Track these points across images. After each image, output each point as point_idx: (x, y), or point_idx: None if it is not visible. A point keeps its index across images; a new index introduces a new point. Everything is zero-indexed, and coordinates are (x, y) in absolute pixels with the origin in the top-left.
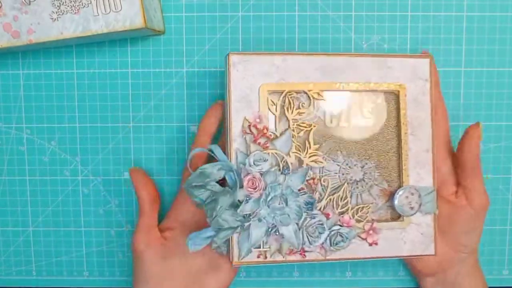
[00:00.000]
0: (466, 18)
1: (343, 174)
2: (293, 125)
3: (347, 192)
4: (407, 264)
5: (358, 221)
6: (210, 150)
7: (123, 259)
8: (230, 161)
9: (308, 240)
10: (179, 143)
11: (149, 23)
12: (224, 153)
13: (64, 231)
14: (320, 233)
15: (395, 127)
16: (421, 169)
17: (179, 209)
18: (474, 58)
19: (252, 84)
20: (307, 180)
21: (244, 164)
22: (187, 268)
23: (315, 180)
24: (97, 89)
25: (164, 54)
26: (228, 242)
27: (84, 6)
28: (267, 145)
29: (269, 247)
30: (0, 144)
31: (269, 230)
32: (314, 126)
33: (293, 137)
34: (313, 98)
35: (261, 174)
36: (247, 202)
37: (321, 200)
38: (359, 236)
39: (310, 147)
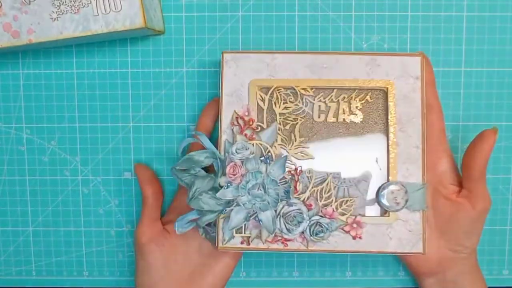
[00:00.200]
0: (466, 18)
1: (330, 168)
2: (280, 118)
3: (331, 185)
4: (407, 264)
5: (342, 214)
6: (198, 139)
7: (123, 259)
8: (219, 150)
9: (286, 227)
10: (179, 143)
11: (149, 23)
12: (212, 142)
13: (64, 231)
14: (299, 221)
15: (383, 123)
16: (410, 165)
17: (180, 203)
18: (474, 58)
19: (243, 80)
20: (290, 171)
21: (229, 153)
22: (189, 261)
23: (298, 171)
24: (97, 89)
25: (164, 54)
26: (215, 227)
27: (84, 6)
28: (253, 136)
29: (250, 233)
30: (0, 144)
31: (249, 216)
32: (301, 120)
33: (279, 130)
34: (301, 93)
35: (242, 162)
36: (227, 188)
37: (305, 191)
38: (342, 229)
39: (295, 140)
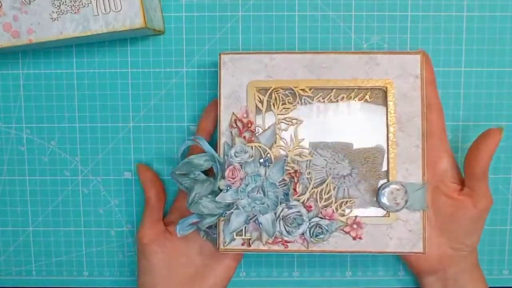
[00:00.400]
0: (466, 18)
1: (330, 169)
2: (279, 120)
3: (331, 185)
4: (408, 263)
5: (341, 215)
6: (197, 142)
7: (123, 259)
8: (219, 153)
9: (286, 230)
10: (179, 143)
11: (149, 23)
12: (210, 145)
13: (64, 231)
14: (298, 224)
15: (383, 123)
16: (410, 165)
17: (181, 203)
18: (474, 58)
19: (241, 81)
20: (289, 173)
21: (228, 156)
22: (190, 262)
23: (297, 173)
24: (97, 89)
25: (164, 54)
26: (216, 229)
27: (84, 6)
28: (252, 138)
29: (251, 235)
30: (0, 144)
31: (249, 218)
32: (300, 121)
33: (278, 131)
34: (300, 94)
35: (241, 165)
36: (226, 191)
37: (305, 192)
38: (342, 230)
39: (295, 141)
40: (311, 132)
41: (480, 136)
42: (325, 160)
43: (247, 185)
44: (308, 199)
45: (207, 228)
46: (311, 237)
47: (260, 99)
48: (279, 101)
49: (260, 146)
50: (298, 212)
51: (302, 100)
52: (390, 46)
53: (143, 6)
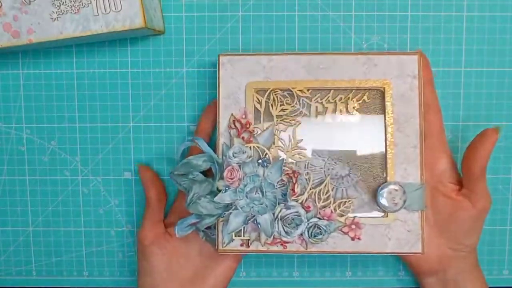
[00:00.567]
0: (466, 18)
1: (328, 169)
2: (277, 120)
3: (329, 186)
4: (407, 264)
5: (340, 215)
6: (196, 143)
7: (123, 259)
8: (217, 154)
9: (284, 230)
10: (179, 143)
11: (149, 23)
12: (210, 145)
13: (64, 231)
14: (297, 224)
15: (381, 123)
16: (408, 165)
17: (181, 204)
18: (474, 58)
19: (239, 82)
20: (287, 173)
21: (226, 156)
22: (190, 263)
23: (296, 173)
24: (97, 89)
25: (164, 54)
26: (215, 230)
27: (84, 6)
28: (251, 139)
29: (249, 236)
30: (0, 144)
31: (247, 219)
32: (298, 122)
33: (276, 132)
34: (298, 95)
35: (240, 166)
36: (225, 192)
37: (303, 193)
38: (341, 230)
39: (293, 142)
40: (309, 133)
41: (477, 136)
42: (323, 160)
43: (245, 186)
44: (306, 200)
45: (206, 229)
46: (309, 237)
47: (259, 100)
48: (278, 102)
49: (258, 147)
50: (297, 212)
51: (301, 101)
52: (390, 46)
53: (143, 6)
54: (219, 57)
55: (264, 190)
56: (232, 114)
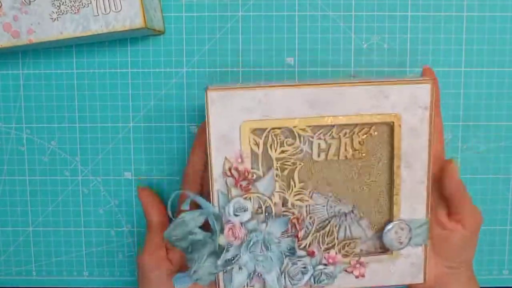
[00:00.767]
0: (466, 18)
1: (331, 207)
2: (277, 164)
3: (334, 227)
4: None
5: (345, 255)
6: (190, 197)
7: (123, 259)
8: (212, 202)
9: (291, 283)
10: (179, 143)
11: (149, 23)
12: (202, 196)
13: (64, 231)
14: (303, 273)
15: (388, 159)
16: (414, 201)
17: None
18: (474, 58)
19: (232, 121)
20: (291, 220)
21: (224, 210)
22: None
23: (299, 221)
24: (97, 89)
25: (164, 54)
26: (211, 277)
27: (84, 6)
28: (249, 187)
29: (253, 286)
30: (0, 144)
31: (251, 275)
32: (300, 165)
33: (277, 176)
34: (299, 134)
35: (242, 223)
36: (228, 251)
37: (307, 236)
38: (345, 270)
39: (295, 186)
40: (311, 173)
41: (442, 171)
42: (326, 198)
43: (249, 242)
44: (310, 244)
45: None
46: (315, 283)
47: (256, 142)
48: (277, 143)
49: (259, 197)
50: (303, 264)
51: (302, 138)
52: (390, 46)
53: (143, 6)
54: (207, 92)
55: (268, 245)
56: (226, 159)
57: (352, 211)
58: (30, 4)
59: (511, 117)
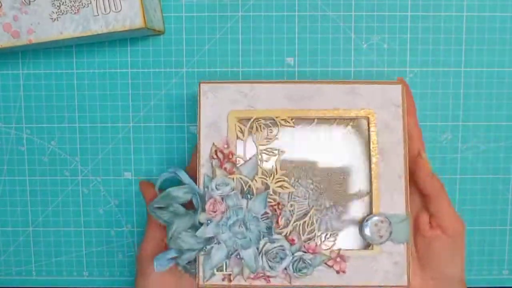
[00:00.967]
0: (466, 18)
1: (312, 200)
2: (260, 151)
3: (314, 218)
4: None
5: (325, 248)
6: (176, 174)
7: (123, 259)
8: (198, 184)
9: (269, 265)
10: (179, 143)
11: (149, 23)
12: (191, 177)
13: (64, 231)
14: (281, 258)
15: (365, 154)
16: (393, 196)
17: (156, 233)
18: (474, 58)
19: (221, 111)
20: (271, 205)
21: (208, 188)
22: (190, 285)
23: (280, 205)
24: (97, 89)
25: (164, 54)
26: (195, 264)
27: (84, 6)
28: (233, 170)
29: (232, 270)
30: (0, 144)
31: (230, 253)
32: (281, 153)
33: (260, 162)
34: (281, 124)
35: (222, 198)
36: (207, 225)
37: (287, 225)
38: (326, 264)
39: (276, 173)
40: (293, 163)
41: (413, 167)
42: (307, 191)
43: (228, 219)
44: (290, 232)
45: (187, 263)
46: (294, 272)
47: (241, 129)
48: (260, 131)
49: (241, 178)
50: (281, 246)
51: (284, 130)
52: (390, 46)
53: (143, 6)
54: (200, 85)
55: (248, 223)
56: (214, 144)
57: (333, 205)
58: (30, 4)
59: (511, 117)
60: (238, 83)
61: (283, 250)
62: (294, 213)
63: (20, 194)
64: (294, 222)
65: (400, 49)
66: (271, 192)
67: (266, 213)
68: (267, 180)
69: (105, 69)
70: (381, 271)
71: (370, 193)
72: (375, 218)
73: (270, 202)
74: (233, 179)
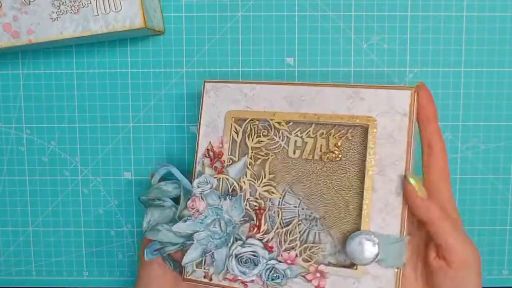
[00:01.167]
0: (466, 18)
1: (302, 209)
2: (252, 152)
3: (298, 227)
4: None
5: (306, 260)
6: (170, 170)
7: (123, 259)
8: (192, 181)
9: (238, 269)
10: (179, 143)
11: (149, 23)
12: (183, 173)
13: (64, 231)
14: (255, 264)
15: (362, 164)
16: (387, 214)
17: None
18: (474, 58)
19: (220, 110)
20: (255, 209)
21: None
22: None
23: (261, 210)
24: (97, 89)
25: (164, 54)
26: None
27: (84, 6)
28: (222, 170)
29: (208, 269)
30: (0, 144)
31: (205, 252)
32: (272, 156)
33: (250, 164)
34: (275, 127)
35: (203, 196)
36: (185, 221)
37: (269, 232)
38: (304, 277)
39: (265, 177)
40: (284, 168)
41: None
42: (298, 199)
43: (205, 217)
44: (271, 239)
45: (174, 260)
46: (267, 280)
47: (236, 130)
48: (254, 133)
49: (227, 179)
50: (253, 252)
51: (280, 133)
52: (390, 46)
53: (143, 6)
54: (205, 83)
55: (224, 224)
56: (210, 143)
57: (324, 217)
58: (30, 4)
59: (511, 117)
60: (240, 83)
61: (256, 256)
62: (278, 220)
63: (20, 194)
64: (277, 229)
65: (400, 49)
66: (257, 196)
67: (247, 216)
68: (254, 183)
69: (105, 69)
70: None
71: (360, 208)
72: (361, 235)
73: (255, 206)
74: (218, 178)
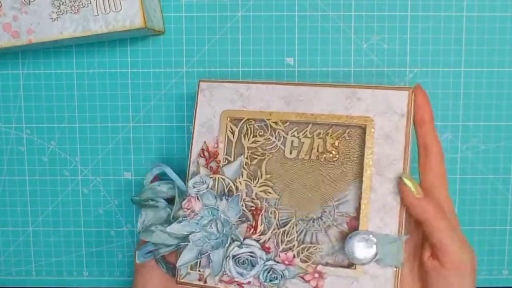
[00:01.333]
0: (466, 18)
1: (299, 210)
2: (248, 152)
3: (295, 228)
4: None
5: (304, 261)
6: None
7: (123, 259)
8: (186, 181)
9: (236, 270)
10: (179, 143)
11: (149, 23)
12: (182, 173)
13: (64, 231)
14: (252, 265)
15: (359, 164)
16: (386, 214)
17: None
18: (474, 58)
19: (215, 110)
20: (251, 210)
21: (188, 186)
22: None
23: (258, 211)
24: (97, 89)
25: (164, 54)
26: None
27: (84, 6)
28: (218, 170)
29: (203, 271)
30: (0, 144)
31: (200, 254)
32: (268, 156)
33: (246, 164)
34: (271, 127)
35: (199, 197)
36: (179, 222)
37: (266, 232)
38: (303, 278)
39: (261, 177)
40: (281, 168)
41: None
42: (295, 200)
43: (201, 218)
44: (268, 240)
45: (168, 262)
46: (264, 281)
47: (232, 130)
48: (251, 133)
49: (223, 179)
50: (251, 252)
51: (277, 133)
52: (390, 46)
53: (143, 6)
54: (200, 82)
55: (221, 225)
56: (205, 143)
57: (321, 217)
58: (30, 4)
59: (511, 117)
60: (235, 82)
61: (254, 257)
62: (275, 220)
63: (20, 194)
64: (275, 230)
65: (400, 49)
66: (253, 196)
67: (243, 216)
68: (251, 183)
69: (105, 69)
70: None
71: (358, 208)
72: (359, 235)
73: (251, 206)
74: (214, 178)
